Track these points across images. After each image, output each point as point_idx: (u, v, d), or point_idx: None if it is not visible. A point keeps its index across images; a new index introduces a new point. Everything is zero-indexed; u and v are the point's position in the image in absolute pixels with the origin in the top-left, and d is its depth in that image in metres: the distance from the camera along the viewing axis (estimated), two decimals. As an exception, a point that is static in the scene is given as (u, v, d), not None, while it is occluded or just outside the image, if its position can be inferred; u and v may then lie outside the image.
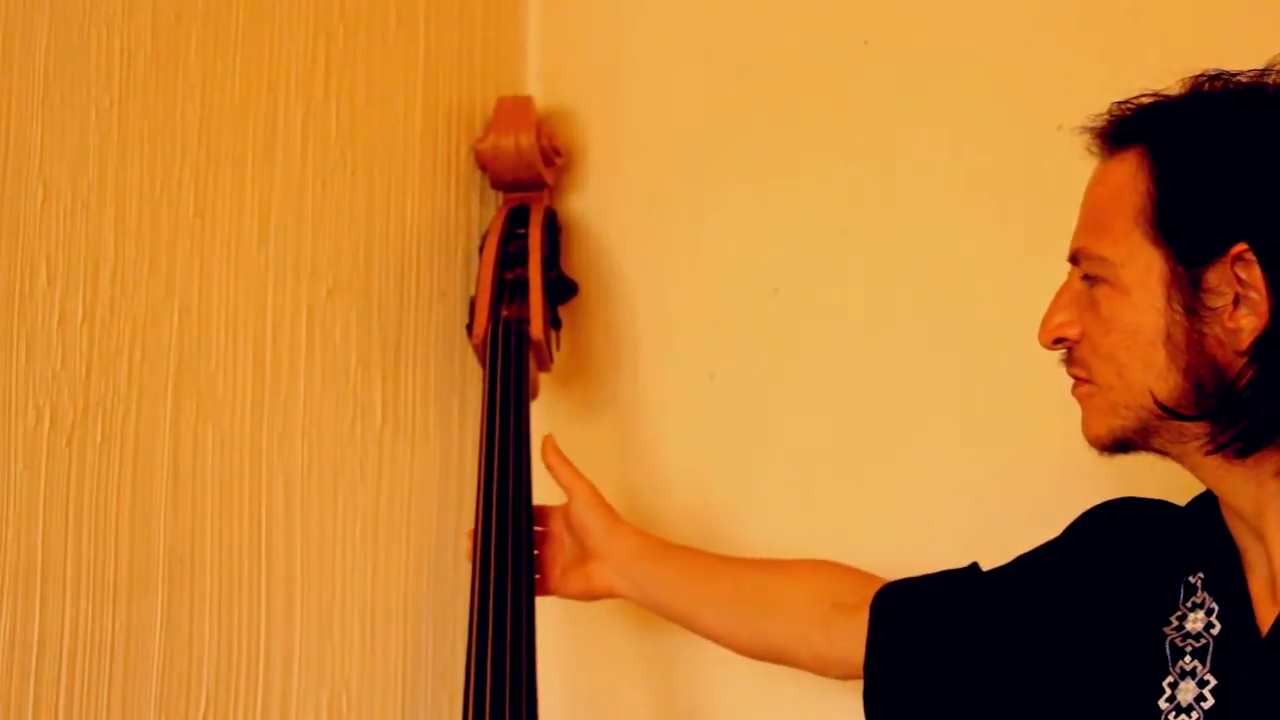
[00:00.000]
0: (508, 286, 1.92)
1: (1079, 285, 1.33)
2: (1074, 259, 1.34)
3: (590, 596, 1.77)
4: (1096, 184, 1.34)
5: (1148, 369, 1.28)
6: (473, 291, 1.94)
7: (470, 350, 1.91)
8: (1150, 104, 1.32)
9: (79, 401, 1.53)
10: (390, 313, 1.91)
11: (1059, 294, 1.35)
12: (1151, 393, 1.27)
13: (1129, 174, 1.30)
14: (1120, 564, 1.41)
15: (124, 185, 1.58)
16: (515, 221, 1.98)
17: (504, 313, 1.89)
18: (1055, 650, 1.41)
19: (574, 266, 2.04)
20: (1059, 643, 1.41)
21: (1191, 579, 1.34)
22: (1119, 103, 1.34)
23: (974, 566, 1.54)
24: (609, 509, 1.76)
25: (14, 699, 1.45)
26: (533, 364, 1.89)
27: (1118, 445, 1.33)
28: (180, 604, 1.61)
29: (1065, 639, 1.41)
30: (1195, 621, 1.31)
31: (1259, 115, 1.28)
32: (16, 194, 1.48)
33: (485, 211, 2.06)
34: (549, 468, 1.79)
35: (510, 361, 1.85)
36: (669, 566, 1.73)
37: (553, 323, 1.95)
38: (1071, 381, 1.36)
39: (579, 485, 1.76)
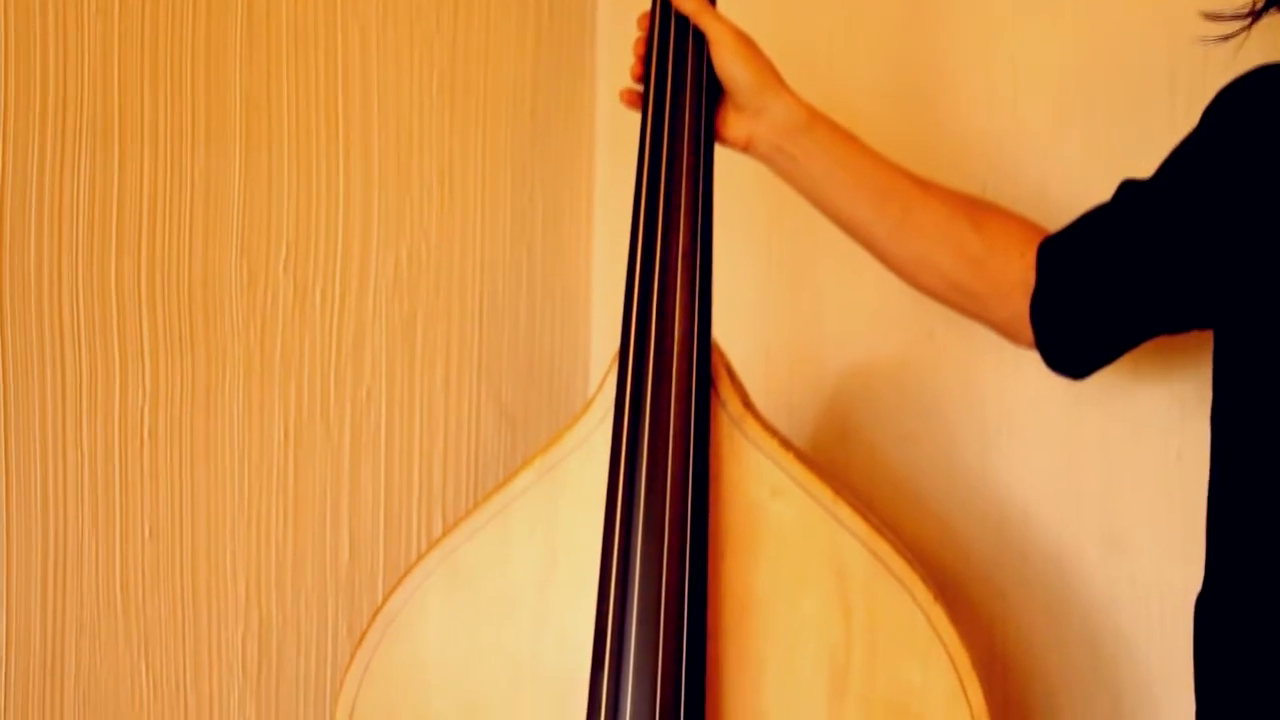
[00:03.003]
0: None
1: None
2: None
3: (719, 143, 1.56)
4: None
5: None
6: None
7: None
8: None
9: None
10: None
11: None
12: None
13: None
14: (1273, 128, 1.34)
15: None
16: None
17: None
18: (1218, 228, 1.37)
19: None
20: (1220, 221, 1.37)
21: None
22: None
23: (1122, 186, 1.47)
24: (764, 64, 1.52)
25: (98, 240, 1.48)
26: None
27: None
28: (258, 152, 1.62)
29: (1225, 214, 1.37)
30: None
31: None
32: None
33: None
34: (686, 14, 1.53)
35: None
36: (849, 168, 1.53)
37: None
38: None
39: (724, 32, 1.51)
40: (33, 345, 1.43)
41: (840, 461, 1.84)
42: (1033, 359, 1.53)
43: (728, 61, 1.51)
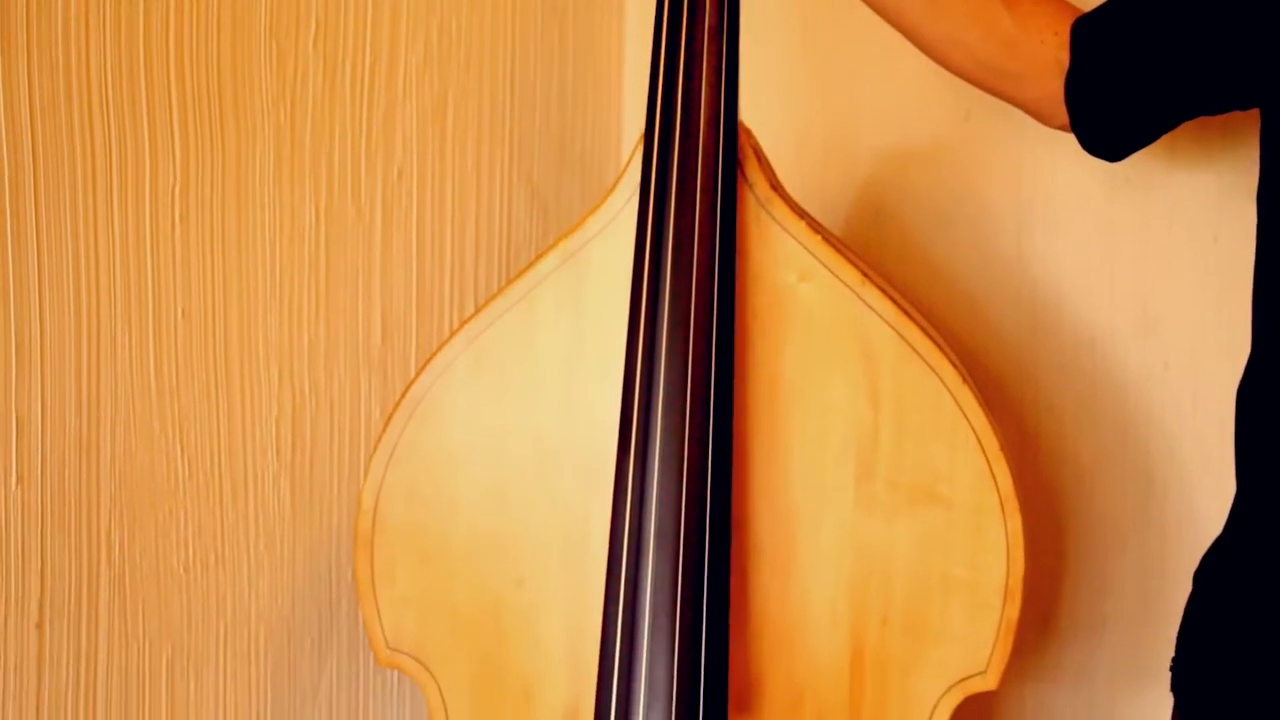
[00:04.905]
0: None
1: None
2: None
3: None
4: None
5: None
6: None
7: None
8: None
9: None
10: None
11: None
12: None
13: None
14: None
15: None
16: None
17: None
18: None
19: None
20: None
21: None
22: None
23: None
24: None
25: (125, 16, 1.46)
26: None
27: None
28: (285, -74, 1.60)
29: None
30: None
31: None
32: None
33: None
34: None
35: None
36: None
37: None
38: None
39: None
40: (61, 127, 1.42)
41: (874, 245, 1.83)
42: (1069, 141, 1.51)
43: None
